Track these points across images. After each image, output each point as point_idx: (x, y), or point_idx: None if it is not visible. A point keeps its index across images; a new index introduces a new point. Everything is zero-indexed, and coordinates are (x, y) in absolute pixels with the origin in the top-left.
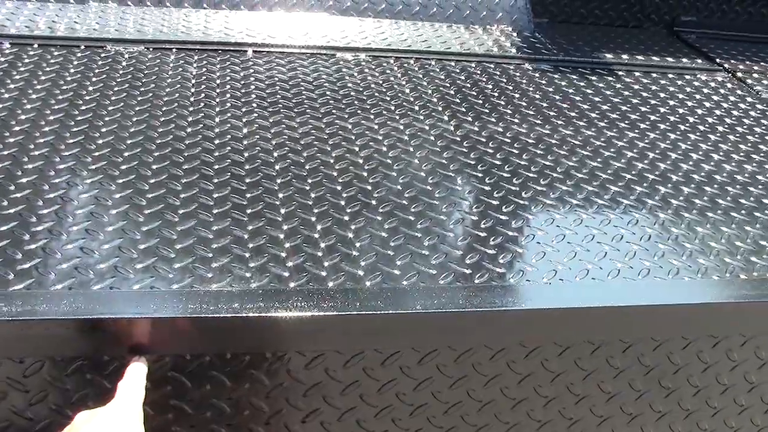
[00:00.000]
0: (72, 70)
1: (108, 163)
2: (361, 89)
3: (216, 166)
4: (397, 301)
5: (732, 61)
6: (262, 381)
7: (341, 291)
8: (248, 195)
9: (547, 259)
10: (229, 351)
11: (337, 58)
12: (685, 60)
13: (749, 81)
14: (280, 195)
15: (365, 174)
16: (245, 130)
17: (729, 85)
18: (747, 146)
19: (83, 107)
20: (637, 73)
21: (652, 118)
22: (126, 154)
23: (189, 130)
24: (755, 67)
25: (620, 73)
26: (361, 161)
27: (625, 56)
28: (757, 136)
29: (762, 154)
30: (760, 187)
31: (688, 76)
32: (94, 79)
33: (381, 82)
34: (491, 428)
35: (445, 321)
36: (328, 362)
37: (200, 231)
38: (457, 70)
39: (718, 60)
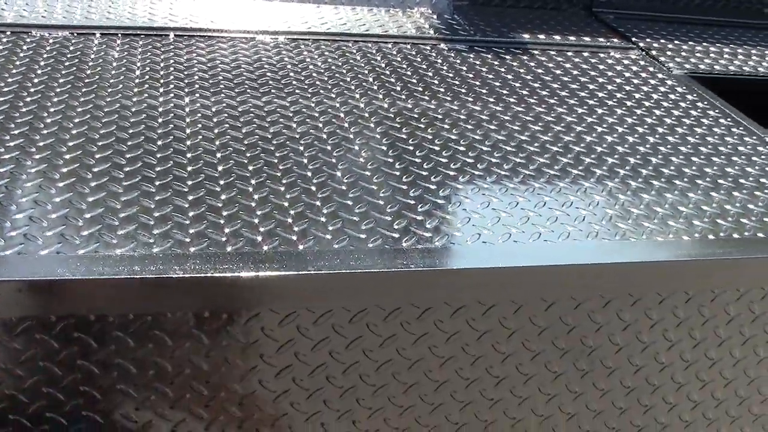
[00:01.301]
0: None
1: (53, 152)
2: (276, 71)
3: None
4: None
5: (647, 40)
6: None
7: (280, 254)
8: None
9: (471, 224)
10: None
11: (256, 41)
12: (600, 39)
13: (662, 58)
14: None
15: (301, 148)
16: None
17: (642, 63)
18: (652, 119)
19: (32, 89)
20: (551, 52)
21: (562, 94)
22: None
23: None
24: (669, 45)
25: (534, 51)
26: (297, 136)
27: (541, 36)
28: (663, 110)
29: (665, 126)
30: (660, 157)
31: (602, 54)
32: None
33: (297, 63)
34: (420, 386)
35: (372, 281)
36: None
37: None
38: (373, 51)
39: (633, 39)
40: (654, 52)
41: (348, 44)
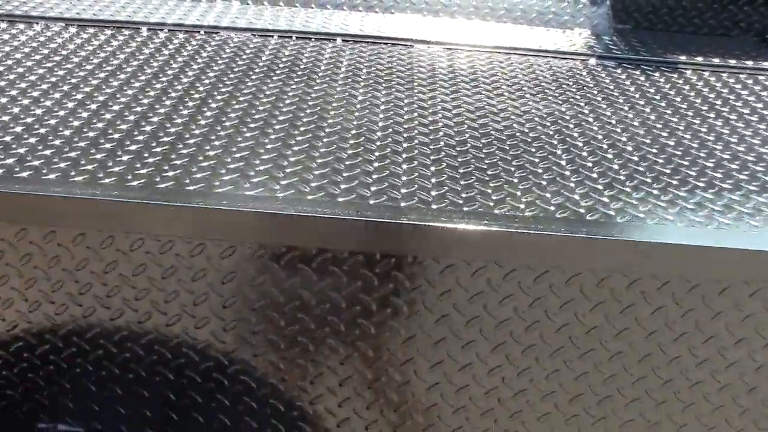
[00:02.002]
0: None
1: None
2: (467, 75)
3: None
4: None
5: None
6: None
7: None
8: None
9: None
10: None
11: (451, 50)
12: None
13: None
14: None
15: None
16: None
17: None
18: None
19: (267, 92)
20: (705, 73)
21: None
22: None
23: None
24: None
25: (687, 72)
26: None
27: (698, 58)
28: None
29: None
30: None
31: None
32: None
33: (486, 70)
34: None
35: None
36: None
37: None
38: (540, 64)
39: None
40: None
41: (513, 57)
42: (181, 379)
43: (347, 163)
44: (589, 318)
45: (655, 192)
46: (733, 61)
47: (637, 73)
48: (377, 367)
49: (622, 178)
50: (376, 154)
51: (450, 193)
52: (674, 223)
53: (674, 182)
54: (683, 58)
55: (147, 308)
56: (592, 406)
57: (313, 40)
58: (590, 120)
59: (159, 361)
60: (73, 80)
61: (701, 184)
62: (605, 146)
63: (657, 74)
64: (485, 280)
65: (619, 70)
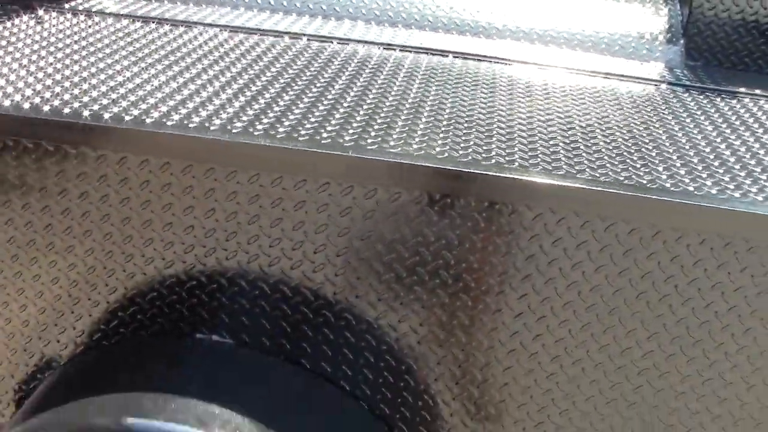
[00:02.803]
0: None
1: None
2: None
3: None
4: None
5: None
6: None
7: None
8: None
9: None
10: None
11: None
12: None
13: None
14: None
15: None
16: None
17: None
18: None
19: None
20: (761, 101)
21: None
22: None
23: None
24: None
25: (745, 99)
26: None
27: (757, 90)
28: None
29: None
30: None
31: None
32: None
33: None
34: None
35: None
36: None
37: None
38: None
39: None
40: None
41: (597, 79)
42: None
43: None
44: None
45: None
46: None
47: (701, 97)
48: (475, 297)
49: (682, 172)
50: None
51: (543, 162)
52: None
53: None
54: (743, 89)
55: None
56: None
57: (428, 54)
58: (660, 131)
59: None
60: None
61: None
62: (668, 144)
63: (718, 99)
64: (566, 227)
65: (686, 95)
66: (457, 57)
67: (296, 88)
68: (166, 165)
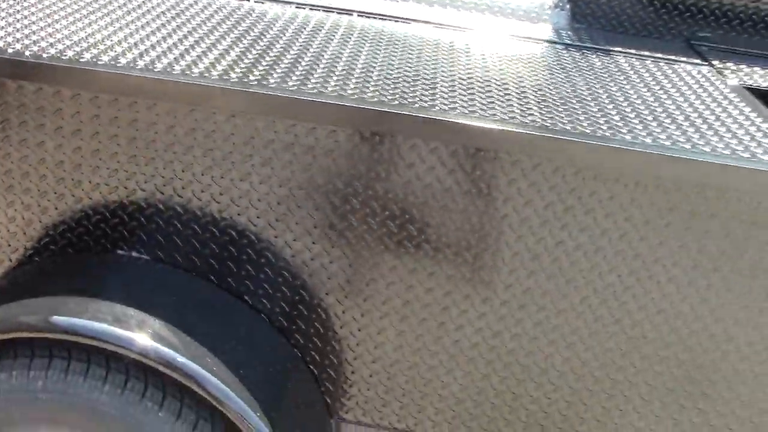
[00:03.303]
0: None
1: None
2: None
3: None
4: None
5: (726, 62)
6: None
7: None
8: None
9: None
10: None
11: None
12: (681, 56)
13: (726, 72)
14: None
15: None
16: None
17: (703, 74)
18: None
19: None
20: (633, 59)
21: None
22: None
23: None
24: (742, 66)
25: (618, 57)
26: None
27: (631, 50)
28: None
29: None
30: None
31: (675, 66)
32: None
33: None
34: None
35: None
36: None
37: None
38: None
39: (712, 60)
40: (719, 67)
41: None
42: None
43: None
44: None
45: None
46: (658, 54)
47: (578, 54)
48: (361, 216)
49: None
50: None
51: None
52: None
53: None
54: (618, 48)
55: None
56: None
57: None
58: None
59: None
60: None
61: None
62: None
63: (593, 56)
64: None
65: (565, 52)
66: (373, 17)
67: (249, 42)
68: (95, 98)
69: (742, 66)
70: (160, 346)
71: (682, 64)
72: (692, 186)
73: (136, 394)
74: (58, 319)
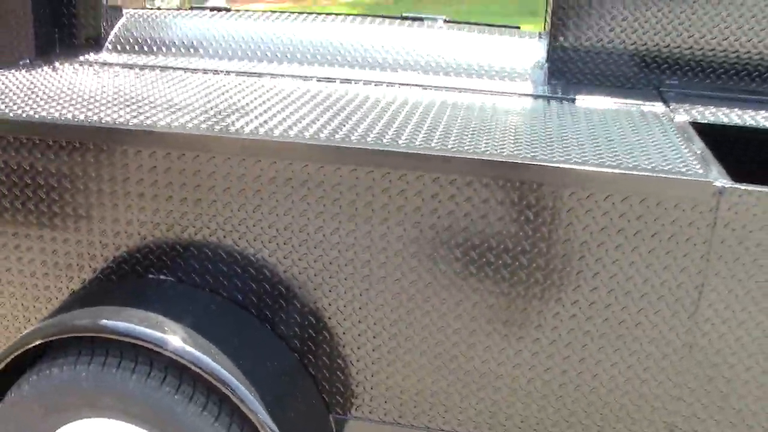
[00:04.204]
0: None
1: None
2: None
3: None
4: None
5: (682, 104)
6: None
7: None
8: None
9: None
10: None
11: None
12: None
13: (681, 111)
14: None
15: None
16: None
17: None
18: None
19: None
20: (599, 105)
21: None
22: None
23: None
24: (697, 106)
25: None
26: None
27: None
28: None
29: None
30: None
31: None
32: None
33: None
34: None
35: None
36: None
37: None
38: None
39: (671, 103)
40: (678, 109)
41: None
42: None
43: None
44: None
45: None
46: (623, 99)
47: (553, 104)
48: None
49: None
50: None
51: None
52: None
53: None
54: (585, 97)
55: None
56: None
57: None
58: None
59: None
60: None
61: None
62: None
63: (565, 105)
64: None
65: (541, 102)
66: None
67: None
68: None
69: (696, 106)
70: (189, 347)
71: (641, 107)
72: None
73: (171, 388)
74: (103, 321)
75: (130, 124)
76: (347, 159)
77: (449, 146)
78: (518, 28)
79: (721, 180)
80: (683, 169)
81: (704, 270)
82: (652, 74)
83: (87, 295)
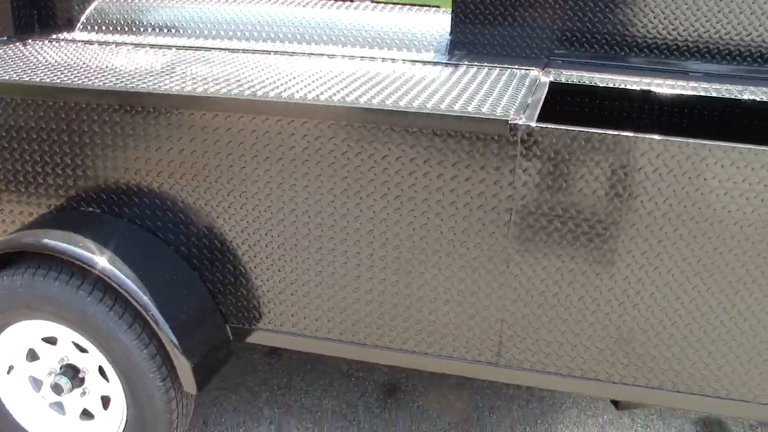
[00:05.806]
0: None
1: None
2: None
3: None
4: None
5: (558, 70)
6: None
7: None
8: None
9: None
10: None
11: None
12: (525, 66)
13: (551, 74)
14: None
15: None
16: None
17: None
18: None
19: None
20: (487, 69)
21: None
22: None
23: None
24: (569, 72)
25: (479, 67)
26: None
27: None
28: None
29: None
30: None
31: (513, 71)
32: None
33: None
34: None
35: None
36: None
37: None
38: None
39: (549, 68)
40: (549, 73)
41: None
42: None
43: None
44: None
45: None
46: (510, 65)
47: (450, 69)
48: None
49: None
50: None
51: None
52: None
53: None
54: (485, 63)
55: None
56: None
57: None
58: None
59: None
60: None
61: None
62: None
63: (454, 69)
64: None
65: (440, 68)
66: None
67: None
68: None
69: (571, 72)
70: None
71: (519, 71)
72: None
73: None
74: (45, 240)
75: (69, 83)
76: (250, 108)
77: (326, 98)
78: (438, 7)
79: (515, 119)
80: (487, 111)
81: (512, 195)
82: (543, 45)
83: (34, 223)
